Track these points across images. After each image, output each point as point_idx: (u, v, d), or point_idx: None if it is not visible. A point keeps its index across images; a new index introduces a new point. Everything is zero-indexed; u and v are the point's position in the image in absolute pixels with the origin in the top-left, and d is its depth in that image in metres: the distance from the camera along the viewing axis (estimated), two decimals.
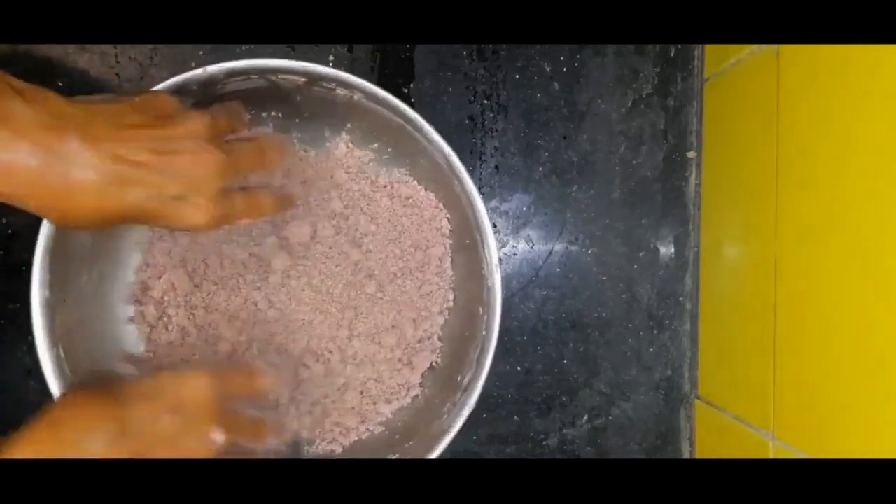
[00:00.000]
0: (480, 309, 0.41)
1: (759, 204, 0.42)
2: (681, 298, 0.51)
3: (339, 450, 0.44)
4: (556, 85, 0.50)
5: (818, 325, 0.36)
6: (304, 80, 0.40)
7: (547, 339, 0.50)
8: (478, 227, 0.40)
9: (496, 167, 0.50)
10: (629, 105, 0.50)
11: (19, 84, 0.32)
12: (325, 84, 0.40)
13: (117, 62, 0.46)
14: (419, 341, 0.45)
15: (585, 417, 0.51)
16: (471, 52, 0.49)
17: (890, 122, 0.31)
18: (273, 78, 0.39)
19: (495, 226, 0.50)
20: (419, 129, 0.40)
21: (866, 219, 0.32)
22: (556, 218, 0.50)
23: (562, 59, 0.49)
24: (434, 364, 0.45)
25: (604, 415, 0.51)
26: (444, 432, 0.39)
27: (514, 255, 0.50)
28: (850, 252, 0.33)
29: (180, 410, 0.35)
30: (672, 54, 0.50)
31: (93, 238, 0.40)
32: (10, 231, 0.46)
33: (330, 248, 0.44)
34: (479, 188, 0.49)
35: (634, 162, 0.50)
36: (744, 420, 0.44)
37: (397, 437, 0.44)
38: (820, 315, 0.36)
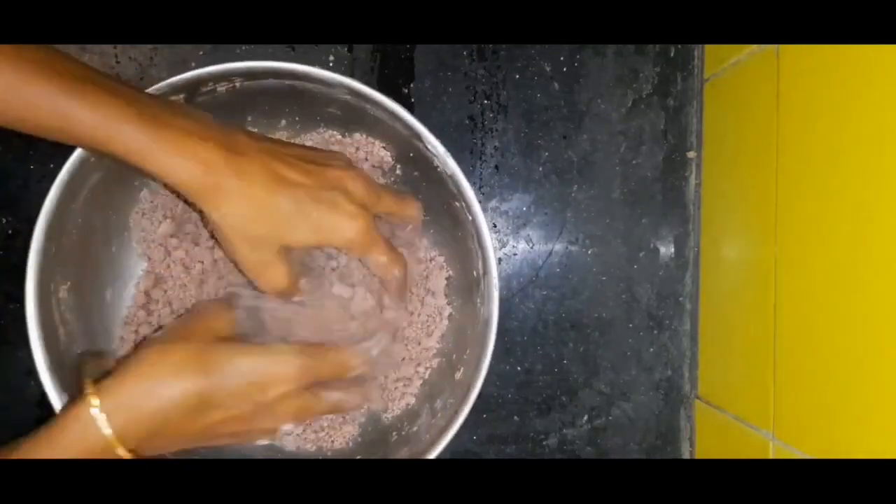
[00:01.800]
0: (456, 203, 0.41)
1: (759, 204, 0.42)
2: (681, 298, 0.51)
3: (412, 401, 0.45)
4: (556, 85, 0.50)
5: (818, 325, 0.36)
6: (184, 95, 0.39)
7: (547, 339, 0.50)
8: (413, 135, 0.40)
9: (496, 167, 0.50)
10: (629, 105, 0.50)
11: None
12: (203, 90, 0.39)
13: (117, 62, 0.46)
14: (424, 268, 0.45)
15: (585, 417, 0.51)
16: (471, 52, 0.49)
17: (890, 122, 0.31)
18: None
19: (495, 226, 0.50)
20: (312, 80, 0.39)
21: (866, 218, 0.32)
22: (556, 218, 0.50)
23: (562, 59, 0.49)
24: (448, 278, 0.45)
25: (604, 415, 0.51)
26: (487, 321, 0.40)
27: (514, 255, 0.50)
28: (849, 252, 0.33)
29: (264, 390, 0.35)
30: (672, 54, 0.50)
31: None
32: (9, 231, 0.46)
33: None
34: (479, 188, 0.50)
35: (634, 162, 0.50)
36: (744, 420, 0.44)
37: (454, 356, 0.44)
38: (820, 315, 0.36)
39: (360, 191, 0.38)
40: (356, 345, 0.39)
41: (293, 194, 0.35)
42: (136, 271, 0.44)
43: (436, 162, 0.40)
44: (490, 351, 0.39)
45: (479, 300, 0.42)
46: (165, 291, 0.43)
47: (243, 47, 0.47)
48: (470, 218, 0.40)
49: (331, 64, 0.48)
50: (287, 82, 0.40)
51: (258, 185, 0.35)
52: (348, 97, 0.40)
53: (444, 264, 0.45)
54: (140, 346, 0.37)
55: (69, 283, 0.39)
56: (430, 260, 0.45)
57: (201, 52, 0.47)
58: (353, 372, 0.39)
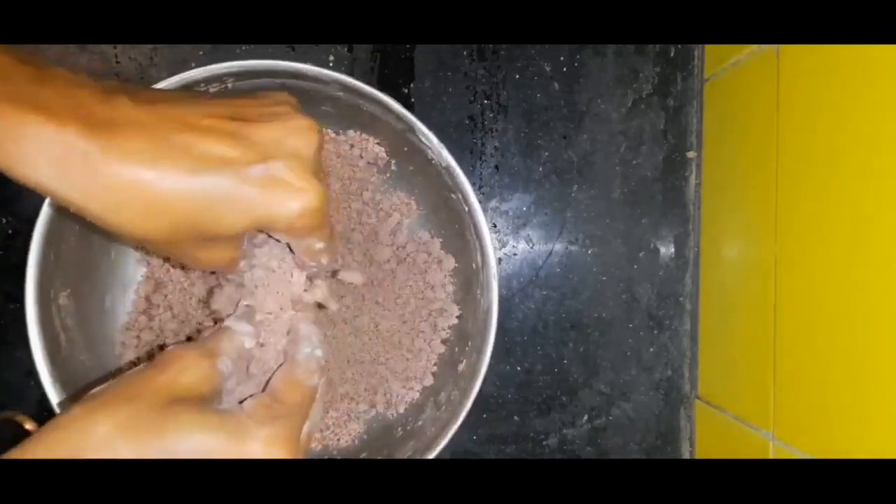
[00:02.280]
0: (452, 196, 0.41)
1: (759, 204, 0.42)
2: (681, 298, 0.51)
3: (416, 396, 0.45)
4: (556, 85, 0.50)
5: (818, 325, 0.36)
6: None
7: (547, 339, 0.50)
8: (407, 128, 0.39)
9: (496, 167, 0.50)
10: (629, 105, 0.50)
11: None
12: (195, 90, 0.39)
13: (117, 62, 0.46)
14: (425, 262, 0.45)
15: (585, 417, 0.51)
16: (471, 52, 0.49)
17: (890, 122, 0.31)
18: None
19: (495, 225, 0.50)
20: (303, 77, 0.38)
21: (866, 218, 0.32)
22: (556, 218, 0.50)
23: (562, 59, 0.49)
24: (447, 272, 0.45)
25: (604, 415, 0.51)
26: (488, 310, 0.40)
27: (514, 255, 0.50)
28: (849, 252, 0.33)
29: None
30: (672, 54, 0.50)
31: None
32: (9, 231, 0.46)
33: None
34: (479, 188, 0.50)
35: (634, 162, 0.50)
36: (744, 420, 0.44)
37: (456, 349, 0.44)
38: (820, 315, 0.36)
39: (309, 151, 0.28)
40: (298, 364, 0.33)
41: (205, 175, 0.26)
42: (135, 276, 0.44)
43: (430, 154, 0.40)
44: (492, 341, 0.39)
45: (478, 291, 0.42)
46: (166, 296, 0.43)
47: (243, 47, 0.47)
48: (466, 209, 0.40)
49: (331, 64, 0.48)
50: (279, 81, 0.39)
51: (141, 166, 0.25)
52: (340, 94, 0.40)
53: (443, 258, 0.46)
54: (71, 404, 0.28)
55: (69, 290, 0.39)
56: (429, 254, 0.45)
57: (201, 52, 0.47)
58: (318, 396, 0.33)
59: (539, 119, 0.50)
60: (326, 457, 0.44)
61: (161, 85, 0.36)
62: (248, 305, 0.34)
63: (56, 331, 0.38)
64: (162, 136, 0.26)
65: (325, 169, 0.35)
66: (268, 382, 0.32)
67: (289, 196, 0.27)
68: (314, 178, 0.28)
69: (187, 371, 0.29)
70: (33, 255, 0.36)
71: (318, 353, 0.33)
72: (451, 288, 0.45)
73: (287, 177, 0.27)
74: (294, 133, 0.28)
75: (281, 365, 0.33)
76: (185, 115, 0.27)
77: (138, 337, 0.43)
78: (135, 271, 0.44)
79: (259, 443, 0.28)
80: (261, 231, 0.31)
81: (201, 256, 0.30)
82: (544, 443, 0.51)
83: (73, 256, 0.39)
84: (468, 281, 0.43)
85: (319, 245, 0.32)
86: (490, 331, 0.39)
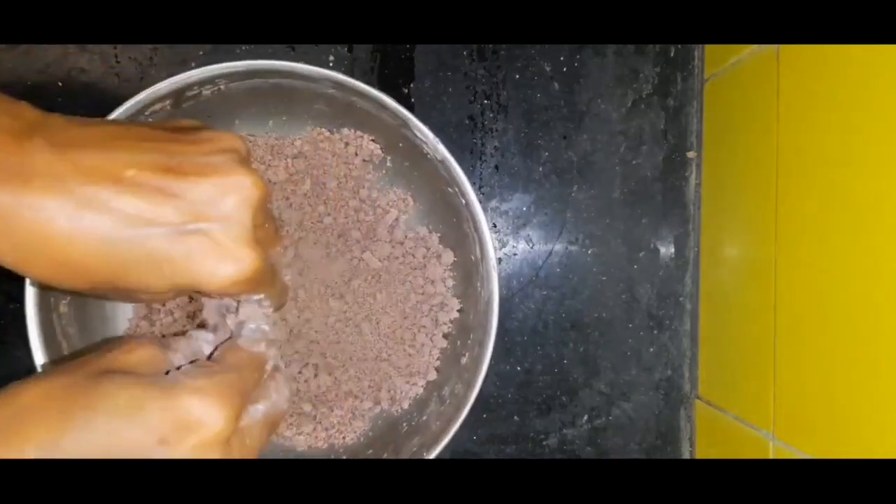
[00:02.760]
0: (449, 189, 0.41)
1: (759, 204, 0.42)
2: (681, 298, 0.51)
3: (420, 391, 0.45)
4: (556, 85, 0.50)
5: (818, 325, 0.36)
6: (170, 102, 0.38)
7: (547, 339, 0.50)
8: (401, 123, 0.39)
9: (496, 167, 0.50)
10: (629, 105, 0.50)
11: None
12: (188, 94, 0.38)
13: (117, 62, 0.46)
14: (424, 256, 0.45)
15: (585, 417, 0.51)
16: (471, 52, 0.49)
17: (890, 122, 0.31)
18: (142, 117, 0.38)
19: (495, 226, 0.50)
20: (295, 76, 0.38)
21: (866, 218, 0.32)
22: (556, 218, 0.50)
23: (562, 59, 0.49)
24: (447, 266, 0.45)
25: (604, 415, 0.51)
26: (489, 301, 0.39)
27: (514, 255, 0.50)
28: (850, 252, 0.33)
29: (168, 443, 0.26)
30: (672, 54, 0.50)
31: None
32: None
33: (308, 233, 0.44)
34: (479, 188, 0.50)
35: (634, 162, 0.50)
36: (744, 420, 0.44)
37: (458, 343, 0.44)
38: (820, 315, 0.36)
39: (246, 212, 0.26)
40: (241, 336, 0.31)
41: (124, 236, 0.24)
42: None
43: (426, 149, 0.40)
44: (493, 333, 0.39)
45: (479, 284, 0.42)
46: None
47: (243, 47, 0.47)
48: (464, 202, 0.40)
49: (331, 64, 0.48)
50: (271, 81, 0.39)
51: (54, 224, 0.23)
52: (333, 91, 0.40)
53: (442, 252, 0.46)
54: None
55: (69, 297, 0.39)
56: (423, 244, 0.45)
57: (201, 52, 0.47)
58: (269, 367, 0.31)
59: (539, 119, 0.50)
60: (332, 455, 0.44)
61: (151, 91, 0.35)
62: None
63: (58, 339, 0.38)
64: (80, 191, 0.23)
65: (270, 226, 0.32)
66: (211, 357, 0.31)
67: (217, 263, 0.25)
68: (248, 244, 0.26)
69: (134, 353, 0.27)
70: None
71: (265, 327, 0.32)
72: (450, 282, 0.45)
73: (219, 240, 0.25)
74: (231, 191, 0.25)
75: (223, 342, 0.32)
76: (109, 165, 0.24)
77: None
78: None
79: (189, 393, 0.25)
80: (188, 293, 0.29)
81: (134, 298, 0.28)
82: (544, 443, 0.51)
83: None
84: (468, 274, 0.43)
85: (258, 297, 0.30)
86: (491, 323, 0.39)
